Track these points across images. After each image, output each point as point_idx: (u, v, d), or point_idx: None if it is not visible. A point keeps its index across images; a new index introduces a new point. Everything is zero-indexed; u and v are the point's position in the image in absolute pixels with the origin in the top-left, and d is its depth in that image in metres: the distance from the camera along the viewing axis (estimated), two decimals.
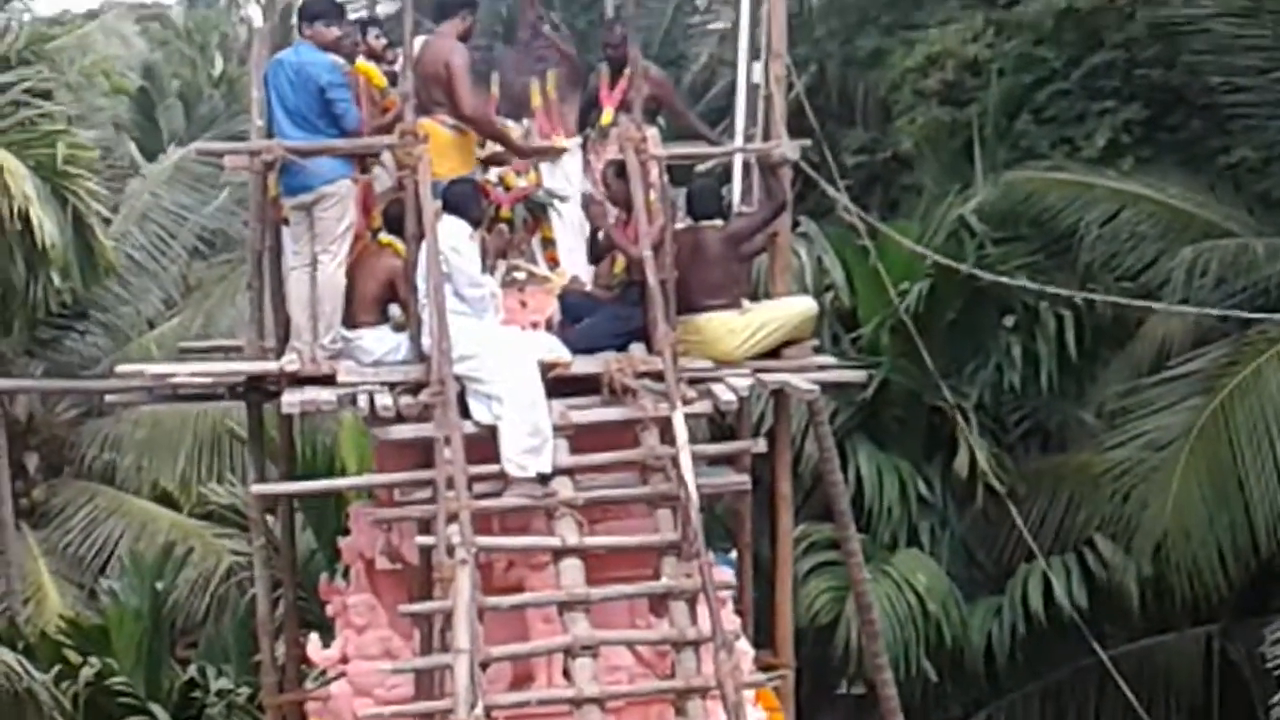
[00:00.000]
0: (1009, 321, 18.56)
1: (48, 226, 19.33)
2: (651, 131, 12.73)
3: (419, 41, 12.14)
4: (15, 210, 19.22)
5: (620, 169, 12.23)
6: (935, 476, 18.41)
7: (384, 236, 12.11)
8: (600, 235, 12.50)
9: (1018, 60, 20.17)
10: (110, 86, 30.51)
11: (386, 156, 12.14)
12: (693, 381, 11.73)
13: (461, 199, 11.68)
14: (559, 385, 11.54)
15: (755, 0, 13.85)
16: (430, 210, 11.44)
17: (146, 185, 23.74)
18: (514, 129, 12.95)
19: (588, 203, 12.61)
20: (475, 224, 11.72)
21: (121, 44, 29.50)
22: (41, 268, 20.10)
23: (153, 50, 37.20)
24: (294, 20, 12.42)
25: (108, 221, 21.49)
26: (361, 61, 12.60)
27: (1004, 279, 16.91)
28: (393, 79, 12.49)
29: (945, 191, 19.59)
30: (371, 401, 11.25)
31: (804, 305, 12.77)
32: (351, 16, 13.65)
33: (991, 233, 19.02)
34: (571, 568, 10.78)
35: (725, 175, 14.46)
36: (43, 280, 20.32)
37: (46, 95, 21.43)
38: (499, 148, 12.72)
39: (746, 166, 13.57)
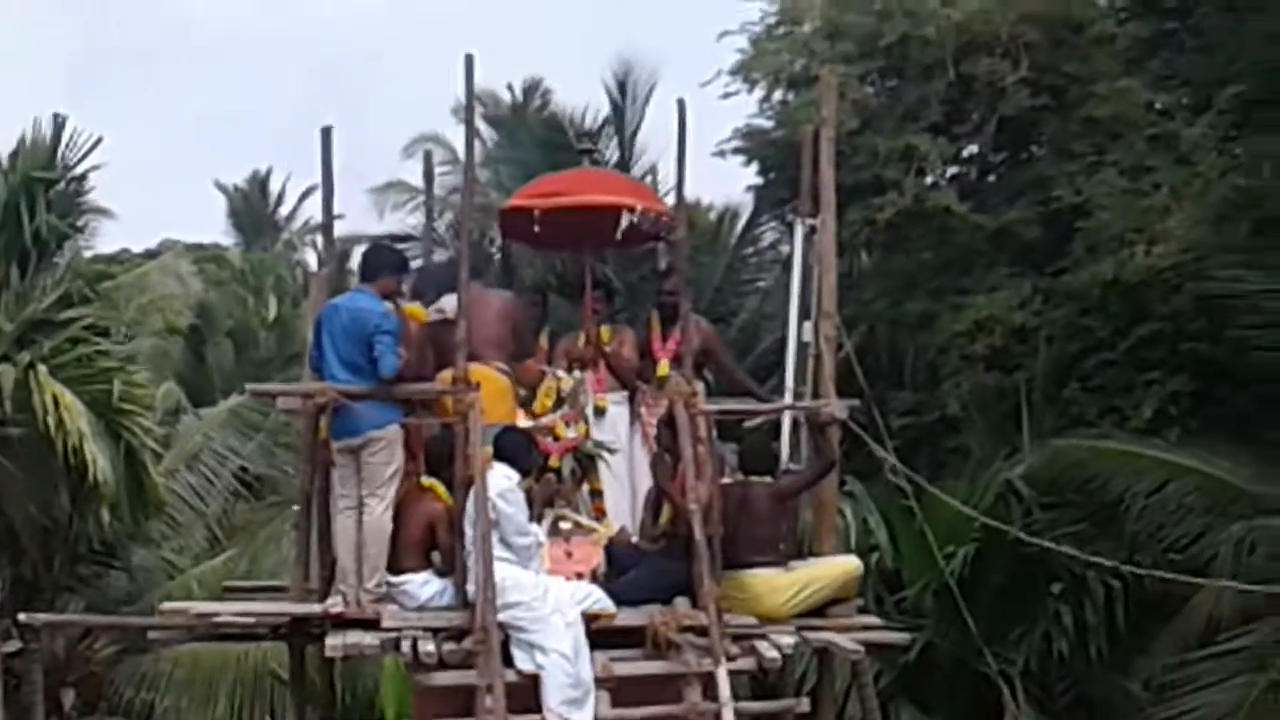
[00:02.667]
0: (1056, 589, 18.40)
1: (100, 463, 19.47)
2: (699, 385, 12.85)
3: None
4: (69, 446, 19.41)
5: (669, 424, 12.33)
6: None
7: (426, 479, 12.18)
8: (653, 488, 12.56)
9: (1065, 329, 20.30)
10: (165, 325, 30.91)
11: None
12: (737, 638, 11.69)
13: (513, 448, 11.78)
14: (602, 636, 11.50)
15: (806, 259, 14.02)
16: (479, 456, 11.52)
17: (200, 426, 23.97)
18: (566, 380, 13.08)
19: (656, 462, 12.65)
20: (525, 473, 11.80)
21: (178, 283, 29.90)
22: (90, 503, 20.22)
23: (208, 290, 37.74)
24: (351, 265, 12.66)
25: (158, 458, 21.64)
26: (414, 306, 12.78)
27: (1051, 545, 16.81)
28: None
29: (992, 456, 19.58)
30: (414, 647, 11.21)
31: (849, 565, 12.78)
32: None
33: (1038, 498, 18.94)
34: None
35: (771, 432, 14.51)
36: (90, 516, 20.44)
37: (104, 332, 21.72)
38: (549, 400, 12.85)
39: (795, 424, 13.66)
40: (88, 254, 23.85)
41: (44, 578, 21.33)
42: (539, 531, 11.96)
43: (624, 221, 13.30)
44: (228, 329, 34.28)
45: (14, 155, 21.88)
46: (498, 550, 11.33)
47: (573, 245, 14.88)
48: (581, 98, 25.13)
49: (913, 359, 21.65)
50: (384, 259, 12.43)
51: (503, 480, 11.57)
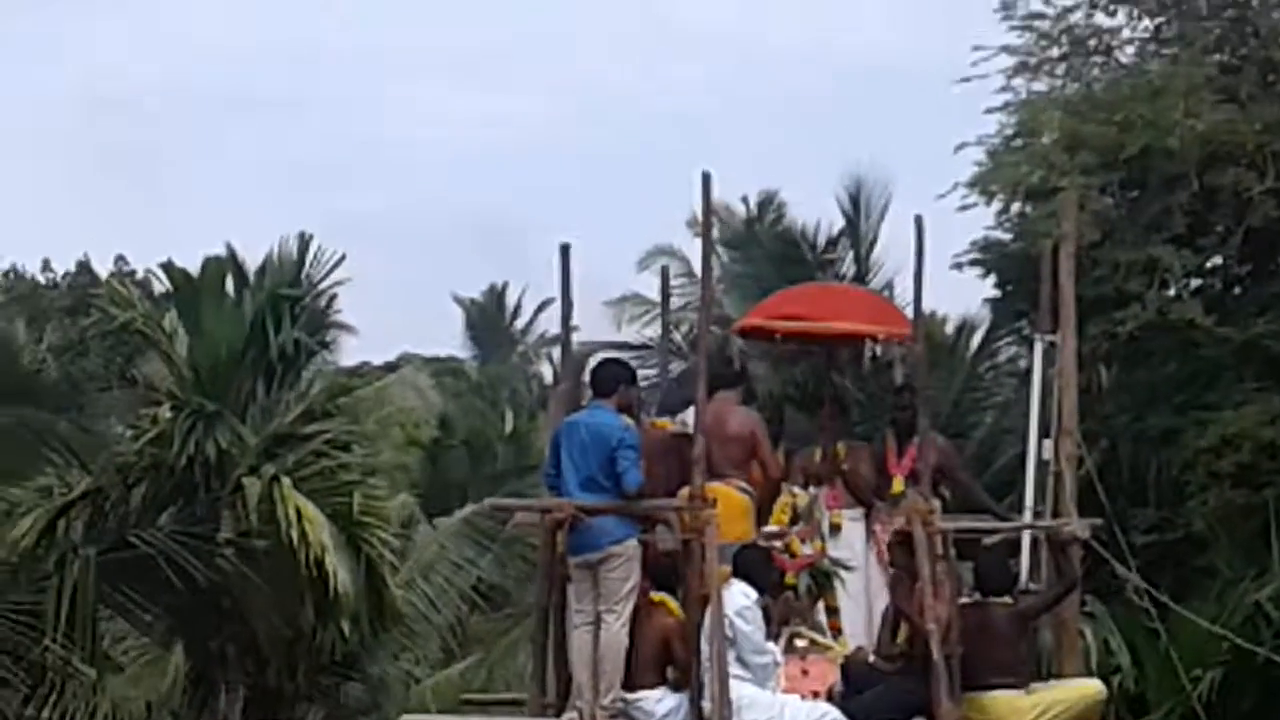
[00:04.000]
0: None
1: (341, 575, 19.81)
2: (935, 503, 12.72)
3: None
4: (311, 558, 19.78)
5: (904, 541, 12.21)
6: None
7: (656, 594, 12.16)
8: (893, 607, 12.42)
9: None
10: (404, 439, 31.46)
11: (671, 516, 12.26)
12: None
13: (753, 566, 11.77)
14: None
15: (1045, 375, 13.84)
16: (715, 573, 11.50)
17: (436, 537, 24.28)
18: (803, 496, 13.01)
19: (894, 582, 12.52)
20: (763, 591, 11.75)
21: (417, 396, 30.38)
22: (331, 615, 20.55)
23: (446, 403, 38.31)
24: (585, 378, 12.76)
25: (395, 570, 21.94)
26: (663, 420, 12.83)
27: None
28: None
29: (1240, 576, 19.09)
30: None
31: (1093, 688, 12.55)
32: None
33: None
34: None
35: (1010, 550, 14.27)
36: (330, 626, 20.76)
37: (345, 446, 22.15)
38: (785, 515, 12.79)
39: (1034, 542, 13.43)
40: (329, 368, 24.41)
41: (285, 686, 21.68)
42: (776, 650, 11.88)
43: (868, 352, 13.35)
44: (464, 440, 34.73)
45: (260, 273, 22.52)
46: (734, 668, 11.28)
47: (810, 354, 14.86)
48: (815, 212, 25.20)
49: (1156, 475, 21.17)
50: (615, 373, 12.52)
51: (741, 598, 11.54)
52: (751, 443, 12.26)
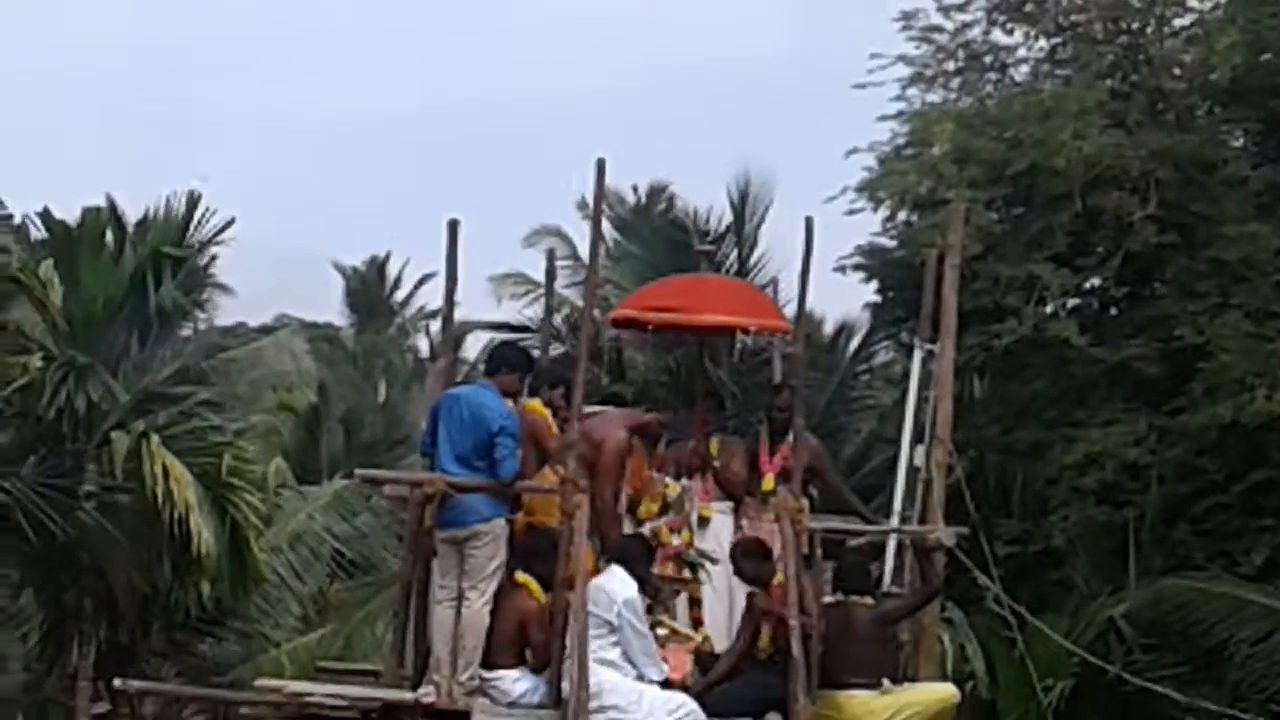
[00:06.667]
0: None
1: (205, 535, 19.70)
2: (803, 502, 12.80)
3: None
4: (175, 516, 19.63)
5: (745, 549, 12.35)
6: None
7: (520, 575, 12.17)
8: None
9: (1178, 468, 20.09)
10: (276, 403, 31.21)
11: None
12: None
13: (632, 554, 11.81)
14: None
15: (922, 383, 13.97)
16: (583, 558, 11.53)
17: (305, 506, 24.17)
18: (674, 487, 13.05)
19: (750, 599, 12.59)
20: (640, 580, 11.79)
21: (292, 360, 30.16)
22: (192, 574, 20.42)
23: (321, 370, 38.04)
24: (464, 351, 12.75)
25: (260, 533, 21.81)
26: (534, 401, 12.81)
27: (1152, 686, 16.55)
28: None
29: (1096, 592, 19.38)
30: None
31: (945, 692, 12.67)
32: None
33: (1141, 638, 18.70)
34: None
35: (873, 553, 14.40)
36: (190, 586, 20.62)
37: (217, 407, 22.01)
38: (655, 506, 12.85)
39: (900, 547, 13.56)
40: (205, 328, 24.22)
41: (140, 644, 21.51)
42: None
43: (739, 344, 13.40)
44: (340, 413, 34.52)
45: (141, 224, 22.26)
46: (609, 654, 11.35)
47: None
48: (705, 203, 25.29)
49: (1021, 488, 21.45)
50: (511, 358, 12.52)
51: (626, 588, 11.59)
52: (597, 459, 12.28)
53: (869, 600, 12.49)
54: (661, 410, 15.06)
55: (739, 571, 12.47)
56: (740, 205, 24.84)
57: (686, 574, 12.70)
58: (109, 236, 22.14)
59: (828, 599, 12.38)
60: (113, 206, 22.45)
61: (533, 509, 12.31)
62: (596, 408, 13.47)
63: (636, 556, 11.86)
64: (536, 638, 11.85)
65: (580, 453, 12.21)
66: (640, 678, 11.51)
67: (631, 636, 11.49)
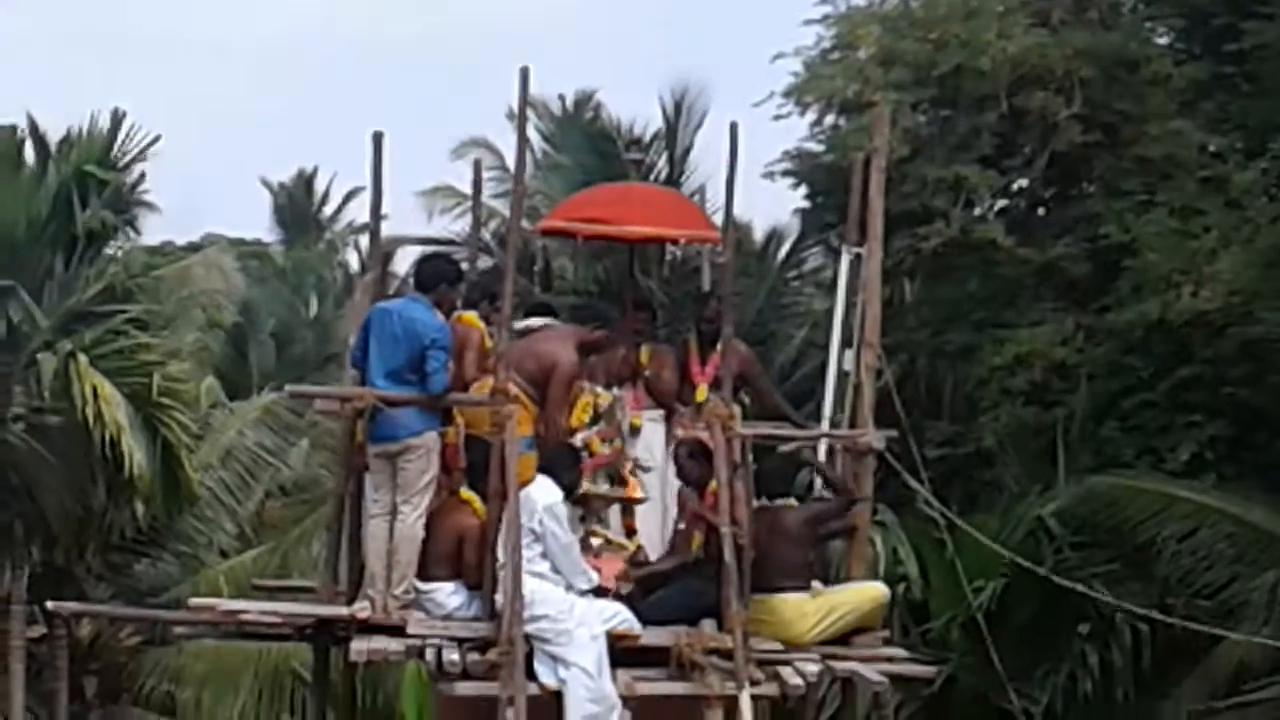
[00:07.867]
0: (1083, 629, 18.31)
1: (137, 455, 19.60)
2: (735, 409, 12.83)
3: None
4: (106, 437, 19.51)
5: (691, 450, 12.36)
6: None
7: (465, 492, 12.17)
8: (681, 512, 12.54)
9: (1106, 367, 20.21)
10: (206, 321, 31.04)
11: None
12: (761, 663, 11.66)
13: (559, 463, 11.81)
14: (627, 655, 11.49)
15: (850, 287, 13.99)
16: (515, 468, 11.54)
17: (234, 422, 24.07)
18: (605, 396, 13.06)
19: (683, 500, 12.62)
20: (567, 490, 11.81)
21: (221, 278, 29.98)
22: (125, 494, 20.34)
23: (250, 287, 37.87)
24: (394, 267, 12.69)
25: (192, 452, 21.72)
26: (469, 314, 12.77)
27: (1080, 586, 16.72)
28: None
29: (1026, 491, 19.51)
30: (439, 655, 11.22)
31: (876, 591, 12.80)
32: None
33: (1070, 537, 18.87)
34: None
35: (797, 458, 14.46)
36: (123, 506, 20.54)
37: (145, 326, 21.84)
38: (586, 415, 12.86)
39: (830, 451, 13.62)
40: (132, 248, 23.99)
41: (74, 565, 21.46)
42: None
43: (669, 254, 13.40)
44: (271, 329, 34.38)
45: (64, 143, 21.97)
46: (537, 564, 11.37)
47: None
48: (632, 114, 25.16)
49: (951, 390, 21.57)
50: (443, 271, 12.45)
51: (549, 494, 11.59)
52: (546, 378, 12.26)
53: (793, 502, 12.60)
54: (592, 319, 15.11)
55: (681, 471, 12.48)
56: (675, 112, 24.71)
57: (607, 489, 12.71)
58: (29, 155, 21.86)
59: (756, 504, 12.43)
60: (33, 125, 22.16)
61: (471, 421, 12.28)
62: (536, 321, 13.42)
63: (564, 463, 11.87)
64: (472, 556, 11.87)
65: (529, 371, 12.21)
66: (569, 588, 11.55)
67: (553, 544, 11.52)
